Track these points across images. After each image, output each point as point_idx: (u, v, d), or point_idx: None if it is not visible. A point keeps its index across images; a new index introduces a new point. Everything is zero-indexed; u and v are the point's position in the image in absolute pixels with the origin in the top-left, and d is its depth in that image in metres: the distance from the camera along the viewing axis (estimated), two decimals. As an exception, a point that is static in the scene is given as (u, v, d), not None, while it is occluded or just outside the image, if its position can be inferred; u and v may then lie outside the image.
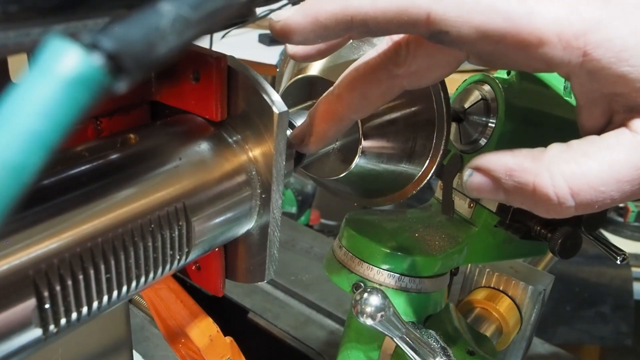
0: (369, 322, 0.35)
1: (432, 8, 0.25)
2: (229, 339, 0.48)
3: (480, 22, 0.25)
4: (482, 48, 0.26)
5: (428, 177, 0.40)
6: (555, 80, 0.45)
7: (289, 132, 0.33)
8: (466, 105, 0.44)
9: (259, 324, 0.79)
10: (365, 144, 0.37)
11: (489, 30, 0.25)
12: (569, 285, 1.28)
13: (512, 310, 0.54)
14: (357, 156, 0.37)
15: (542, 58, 0.26)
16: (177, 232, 0.27)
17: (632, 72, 0.25)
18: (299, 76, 0.38)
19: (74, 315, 0.23)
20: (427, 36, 0.26)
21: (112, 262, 0.24)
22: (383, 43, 0.31)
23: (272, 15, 0.28)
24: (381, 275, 0.41)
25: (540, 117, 0.45)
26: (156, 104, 0.33)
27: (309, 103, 0.37)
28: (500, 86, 0.43)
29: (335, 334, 0.78)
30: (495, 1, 0.25)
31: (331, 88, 0.33)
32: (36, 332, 0.22)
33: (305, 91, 0.38)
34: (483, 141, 0.43)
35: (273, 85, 0.31)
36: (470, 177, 0.29)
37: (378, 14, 0.26)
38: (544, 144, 0.39)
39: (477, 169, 0.29)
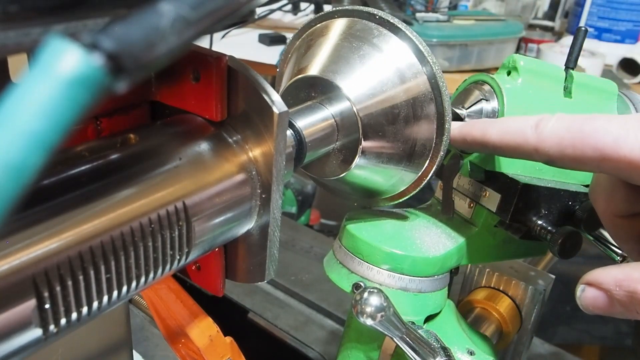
0: (369, 322, 0.35)
1: (538, 145, 0.33)
2: (229, 339, 0.48)
3: (575, 155, 0.31)
4: (586, 169, 0.32)
5: (428, 177, 0.40)
6: (556, 81, 0.45)
7: (289, 132, 0.33)
8: (466, 105, 0.44)
9: (259, 324, 0.79)
10: (365, 144, 0.37)
11: (584, 160, 0.31)
12: (569, 285, 1.27)
13: (512, 310, 0.54)
14: (357, 156, 0.37)
15: (631, 174, 0.31)
16: (177, 232, 0.27)
17: None
18: (299, 76, 0.38)
19: (74, 315, 0.23)
20: (542, 162, 0.34)
21: (112, 262, 0.24)
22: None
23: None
24: (381, 275, 0.41)
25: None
26: (156, 104, 0.33)
27: (309, 103, 0.37)
28: (501, 86, 0.43)
29: (335, 334, 0.78)
30: (586, 135, 0.31)
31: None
32: (36, 332, 0.22)
33: (305, 91, 0.38)
34: (483, 141, 0.43)
35: (273, 85, 0.31)
36: (583, 293, 0.33)
37: (503, 146, 0.36)
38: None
39: (588, 284, 0.33)
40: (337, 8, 0.39)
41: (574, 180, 0.46)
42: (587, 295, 0.33)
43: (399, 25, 0.37)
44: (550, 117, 0.33)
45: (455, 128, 0.39)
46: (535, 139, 0.33)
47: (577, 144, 0.31)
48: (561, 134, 0.32)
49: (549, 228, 0.42)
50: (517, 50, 1.47)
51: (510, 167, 0.43)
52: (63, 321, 0.23)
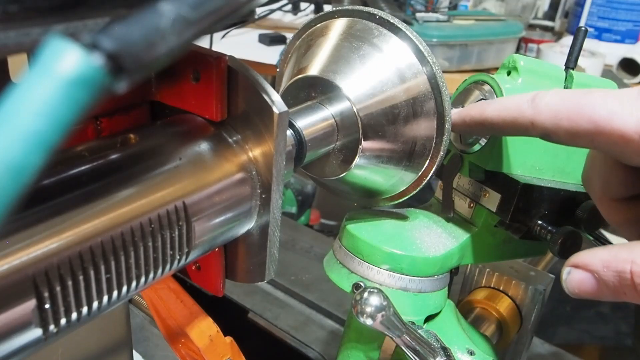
0: (369, 322, 0.35)
1: (534, 118, 0.33)
2: (229, 339, 0.48)
3: (570, 127, 0.31)
4: (580, 144, 0.32)
5: (428, 177, 0.40)
6: (556, 81, 0.45)
7: (289, 132, 0.33)
8: (466, 105, 0.44)
9: (259, 324, 0.79)
10: (365, 144, 0.37)
11: (579, 132, 0.31)
12: (569, 285, 1.27)
13: (512, 310, 0.54)
14: (357, 156, 0.37)
15: (625, 151, 0.30)
16: (177, 232, 0.27)
17: None
18: (299, 76, 0.38)
19: (74, 315, 0.23)
20: (538, 136, 0.34)
21: (112, 262, 0.24)
22: None
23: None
24: (381, 275, 0.41)
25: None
26: (156, 104, 0.33)
27: (309, 103, 0.37)
28: (500, 86, 0.43)
29: (335, 334, 0.78)
30: (582, 107, 0.30)
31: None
32: (36, 332, 0.22)
33: (305, 91, 0.38)
34: (483, 141, 0.43)
35: (273, 85, 0.31)
36: (569, 276, 0.32)
37: (500, 122, 0.36)
38: (544, 143, 0.40)
39: (574, 266, 0.32)
40: (337, 8, 0.39)
41: (574, 180, 0.46)
42: (573, 277, 0.32)
43: (399, 25, 0.37)
44: (547, 92, 0.33)
45: (454, 112, 0.39)
46: (532, 112, 0.33)
47: (573, 116, 0.31)
48: (557, 107, 0.32)
49: (549, 228, 0.42)
50: (517, 50, 1.47)
51: (510, 167, 0.43)
52: (63, 321, 0.23)
